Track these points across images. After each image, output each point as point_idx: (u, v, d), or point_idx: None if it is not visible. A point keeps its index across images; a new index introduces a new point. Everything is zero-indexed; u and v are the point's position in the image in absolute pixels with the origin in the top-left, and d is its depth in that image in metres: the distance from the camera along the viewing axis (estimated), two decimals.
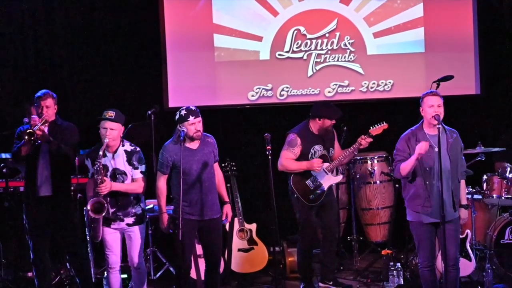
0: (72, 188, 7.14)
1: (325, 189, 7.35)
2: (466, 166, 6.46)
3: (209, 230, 6.54)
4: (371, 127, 7.23)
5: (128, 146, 6.60)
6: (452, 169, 6.20)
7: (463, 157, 6.39)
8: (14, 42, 9.11)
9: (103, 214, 6.41)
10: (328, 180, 7.37)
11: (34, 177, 6.85)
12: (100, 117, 6.49)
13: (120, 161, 6.54)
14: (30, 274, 8.07)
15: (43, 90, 6.95)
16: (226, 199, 6.75)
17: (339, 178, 7.51)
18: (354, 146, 7.26)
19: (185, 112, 6.44)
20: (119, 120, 6.51)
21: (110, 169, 6.51)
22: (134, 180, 6.54)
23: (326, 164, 7.35)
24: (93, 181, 6.46)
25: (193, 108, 6.49)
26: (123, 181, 6.52)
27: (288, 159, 7.31)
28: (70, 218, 6.95)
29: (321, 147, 7.38)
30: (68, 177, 7.00)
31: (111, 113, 6.46)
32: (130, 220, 6.55)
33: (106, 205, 6.39)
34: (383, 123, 7.24)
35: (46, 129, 6.77)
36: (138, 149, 6.63)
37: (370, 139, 7.21)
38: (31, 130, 6.62)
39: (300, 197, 7.35)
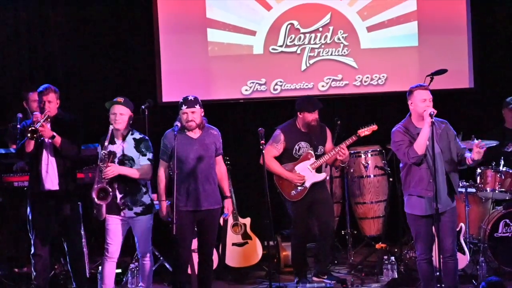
0: (77, 182, 7.06)
1: (308, 186, 7.33)
2: (462, 148, 6.34)
3: (205, 221, 6.54)
4: (360, 128, 7.26)
5: (137, 135, 6.64)
6: (446, 159, 6.20)
7: (458, 142, 6.33)
8: (8, 37, 9.07)
9: (108, 200, 6.42)
10: (311, 178, 7.33)
11: (39, 172, 6.79)
12: (109, 102, 6.52)
13: (128, 148, 6.57)
14: (25, 269, 8.06)
15: (45, 85, 6.86)
16: (228, 193, 6.75)
17: (322, 176, 7.42)
18: (338, 146, 7.27)
19: (181, 101, 6.46)
20: (128, 105, 6.56)
21: (119, 155, 6.53)
22: (141, 166, 6.55)
23: (310, 161, 7.35)
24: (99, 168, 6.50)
25: (190, 98, 6.47)
26: (131, 167, 6.55)
27: (272, 158, 7.30)
28: (74, 212, 6.94)
29: (307, 144, 7.35)
30: (74, 171, 6.95)
31: (120, 99, 6.54)
32: (138, 209, 6.57)
33: (110, 192, 6.41)
34: (373, 124, 7.27)
35: (48, 125, 6.70)
36: (146, 137, 6.67)
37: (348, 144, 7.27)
38: (33, 128, 6.55)
39: (282, 192, 7.37)
